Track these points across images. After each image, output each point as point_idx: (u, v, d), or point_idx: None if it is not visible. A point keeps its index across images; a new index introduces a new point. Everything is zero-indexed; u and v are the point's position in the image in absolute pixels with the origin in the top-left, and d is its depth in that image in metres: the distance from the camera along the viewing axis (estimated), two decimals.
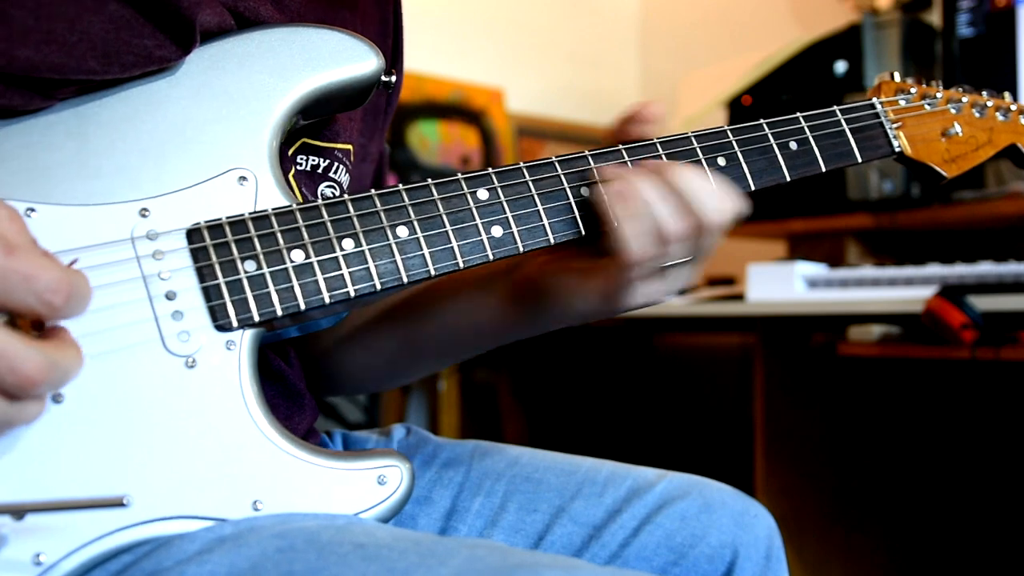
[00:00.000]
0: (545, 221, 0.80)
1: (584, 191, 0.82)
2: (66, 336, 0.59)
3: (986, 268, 1.69)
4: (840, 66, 2.24)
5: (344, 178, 0.90)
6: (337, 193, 0.89)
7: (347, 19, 0.92)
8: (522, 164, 0.81)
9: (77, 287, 0.57)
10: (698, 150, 0.86)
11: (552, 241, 0.80)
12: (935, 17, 2.38)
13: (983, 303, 1.60)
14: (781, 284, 1.90)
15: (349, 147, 0.91)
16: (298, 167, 0.86)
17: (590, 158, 0.83)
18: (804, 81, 2.32)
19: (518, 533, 0.92)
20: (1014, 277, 1.64)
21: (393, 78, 0.82)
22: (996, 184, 2.04)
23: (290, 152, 0.85)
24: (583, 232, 0.81)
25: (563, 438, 2.94)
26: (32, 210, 0.65)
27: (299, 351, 1.03)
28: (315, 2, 0.87)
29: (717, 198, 0.80)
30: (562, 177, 0.82)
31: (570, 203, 0.81)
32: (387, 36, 1.00)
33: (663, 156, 0.85)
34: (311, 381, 1.04)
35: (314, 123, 0.85)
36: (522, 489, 0.95)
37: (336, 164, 0.89)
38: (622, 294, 0.82)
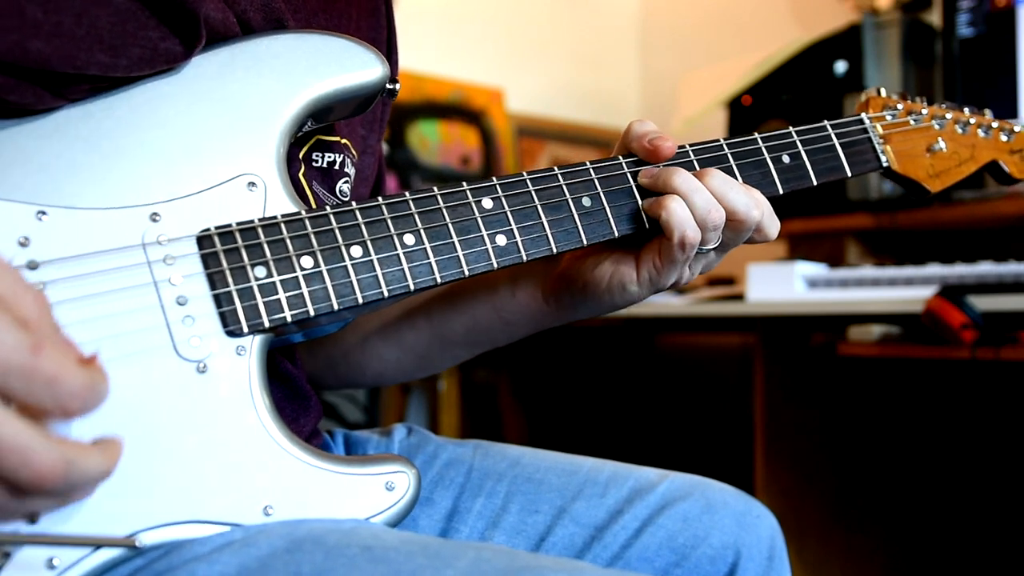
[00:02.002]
0: (548, 231, 0.81)
1: (586, 201, 0.83)
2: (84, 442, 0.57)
3: (986, 268, 1.70)
4: (840, 66, 2.24)
5: (351, 171, 0.91)
6: (351, 187, 0.90)
7: (341, 8, 0.93)
8: (525, 174, 0.82)
9: (96, 391, 0.55)
10: (695, 163, 0.88)
11: (555, 250, 0.82)
12: (935, 17, 2.38)
13: (983, 303, 1.60)
14: (781, 284, 1.90)
15: (347, 141, 0.92)
16: (313, 164, 0.86)
17: (591, 169, 0.85)
18: (804, 81, 2.32)
19: (520, 534, 0.93)
20: (1014, 277, 1.65)
21: (398, 86, 0.83)
22: (996, 184, 2.05)
23: (302, 152, 0.85)
24: (584, 242, 0.83)
25: (563, 438, 2.94)
26: (43, 213, 0.65)
27: (316, 352, 1.05)
28: None
29: (746, 195, 0.85)
30: (564, 188, 0.83)
31: (572, 213, 0.82)
32: (380, 28, 1.01)
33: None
34: (328, 378, 1.06)
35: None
36: (523, 490, 0.95)
37: (345, 158, 0.90)
38: (658, 281, 0.87)
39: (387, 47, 1.01)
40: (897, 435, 2.33)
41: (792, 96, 2.33)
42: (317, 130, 0.86)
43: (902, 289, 1.75)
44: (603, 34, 3.39)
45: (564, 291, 0.93)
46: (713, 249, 0.86)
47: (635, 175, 0.86)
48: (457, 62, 2.94)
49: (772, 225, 0.88)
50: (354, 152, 0.93)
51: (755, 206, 0.85)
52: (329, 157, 0.88)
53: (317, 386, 1.09)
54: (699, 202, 0.82)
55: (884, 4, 2.42)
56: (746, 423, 2.21)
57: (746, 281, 1.96)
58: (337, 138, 0.89)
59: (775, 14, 3.01)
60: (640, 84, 3.46)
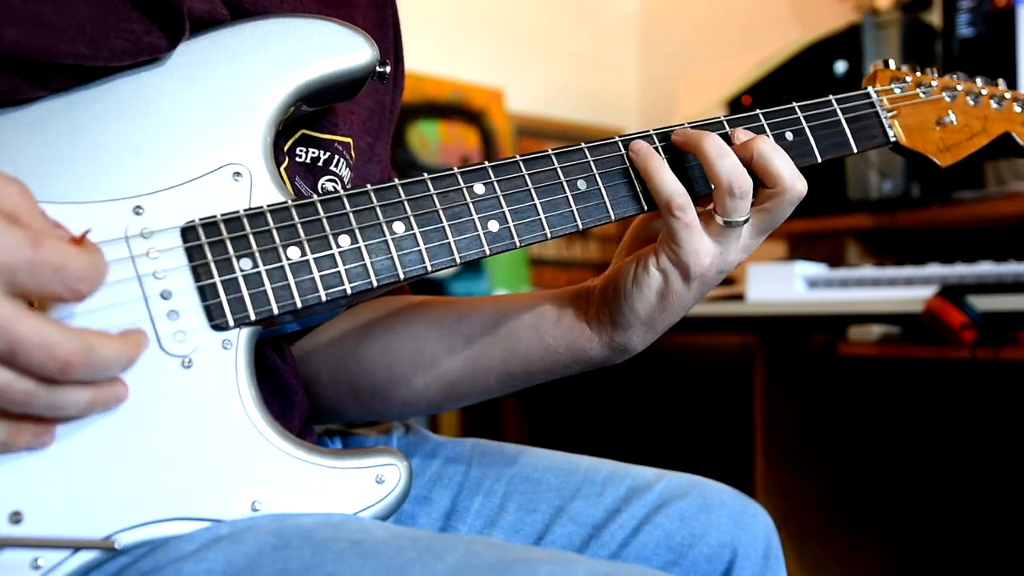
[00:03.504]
0: (542, 215, 0.80)
1: (581, 184, 0.82)
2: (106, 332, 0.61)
3: (986, 268, 1.69)
4: (840, 66, 2.23)
5: (345, 172, 0.89)
6: (338, 187, 0.88)
7: (345, 15, 0.92)
8: (518, 157, 0.80)
9: (99, 268, 0.58)
10: None
11: (549, 236, 0.80)
12: (935, 17, 2.38)
13: (983, 303, 1.59)
14: (781, 284, 1.90)
15: (349, 140, 0.90)
16: (297, 159, 0.85)
17: (586, 150, 0.83)
18: (804, 81, 2.32)
19: (518, 533, 0.92)
20: (1014, 277, 1.64)
21: (388, 68, 0.81)
22: (996, 184, 2.04)
23: (287, 145, 0.84)
24: (580, 226, 0.81)
25: (563, 438, 2.93)
26: None
27: (339, 382, 0.98)
28: None
29: (788, 160, 0.84)
30: (559, 170, 0.81)
31: (567, 196, 0.81)
32: (387, 28, 1.00)
33: (659, 148, 0.85)
34: (350, 408, 1.00)
35: (313, 114, 0.85)
36: (522, 489, 0.94)
37: (336, 157, 0.88)
38: (677, 257, 0.82)
39: (393, 41, 1.00)
40: (897, 435, 2.32)
41: (792, 96, 2.31)
42: (304, 124, 0.85)
43: (902, 289, 1.75)
44: (603, 34, 3.39)
45: (601, 302, 0.88)
46: (744, 222, 0.83)
47: (631, 157, 0.84)
48: (457, 62, 2.93)
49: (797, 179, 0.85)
50: (353, 154, 0.91)
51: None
52: (313, 153, 0.86)
53: (337, 417, 1.03)
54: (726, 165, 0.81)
55: (884, 4, 2.42)
56: (746, 423, 2.21)
57: (746, 281, 1.96)
58: (327, 135, 0.87)
59: (775, 14, 3.01)
60: (640, 84, 3.45)
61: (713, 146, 0.81)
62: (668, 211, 0.81)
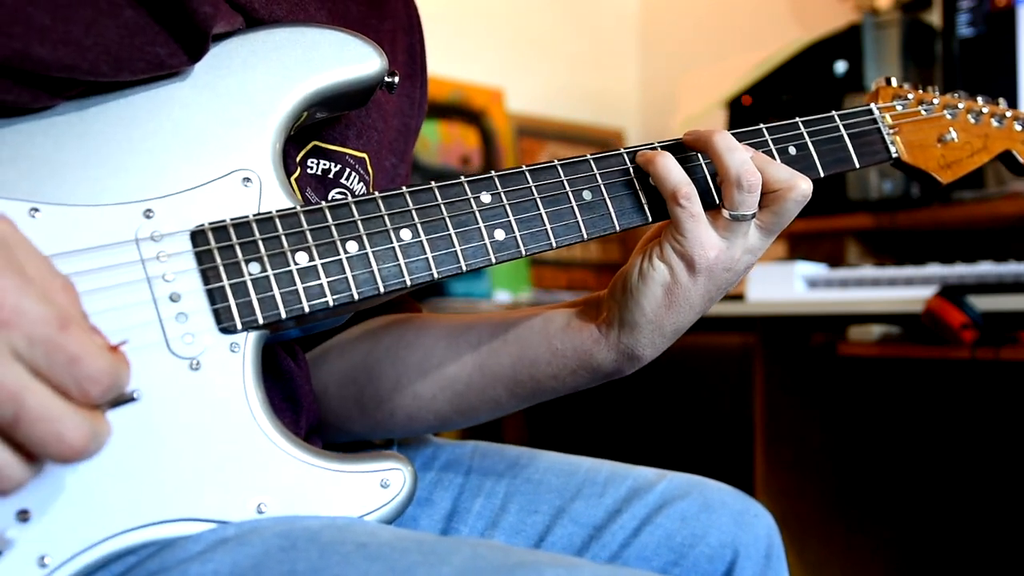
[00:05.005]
0: (547, 225, 0.80)
1: (586, 194, 0.82)
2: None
3: (986, 268, 1.70)
4: (840, 66, 2.24)
5: (358, 187, 0.89)
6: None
7: (374, 25, 0.93)
8: (524, 168, 0.81)
9: (118, 378, 0.55)
10: (699, 154, 0.86)
11: (554, 245, 0.80)
12: (935, 17, 2.38)
13: (983, 303, 1.60)
14: (781, 284, 1.90)
15: (364, 156, 0.90)
16: (308, 171, 0.85)
17: (592, 163, 0.84)
18: (804, 81, 2.32)
19: (519, 534, 0.92)
20: (1014, 277, 1.64)
21: (396, 79, 0.82)
22: (996, 184, 2.05)
23: (299, 156, 0.84)
24: (585, 236, 0.81)
25: (563, 438, 2.94)
26: (36, 210, 0.65)
27: (345, 393, 0.97)
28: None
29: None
30: (564, 181, 0.82)
31: (572, 206, 0.81)
32: (415, 55, 1.01)
33: None
34: (356, 424, 0.98)
35: (324, 125, 0.86)
36: (522, 490, 0.95)
37: (348, 170, 0.88)
38: (683, 249, 0.81)
39: (421, 66, 1.02)
40: (897, 435, 2.32)
41: (792, 96, 2.33)
42: (315, 135, 0.86)
43: (902, 289, 1.75)
44: (603, 34, 3.39)
45: (610, 302, 0.86)
46: (750, 217, 0.82)
47: (636, 168, 0.84)
48: (457, 62, 2.93)
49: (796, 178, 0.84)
50: (370, 169, 0.91)
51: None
52: (324, 165, 0.86)
53: (342, 433, 1.00)
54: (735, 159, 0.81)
55: (884, 4, 2.42)
56: (746, 423, 2.21)
57: (746, 281, 1.96)
58: (338, 147, 0.88)
59: (775, 14, 3.01)
60: (640, 84, 3.45)
61: (723, 140, 0.81)
62: (674, 200, 0.81)
